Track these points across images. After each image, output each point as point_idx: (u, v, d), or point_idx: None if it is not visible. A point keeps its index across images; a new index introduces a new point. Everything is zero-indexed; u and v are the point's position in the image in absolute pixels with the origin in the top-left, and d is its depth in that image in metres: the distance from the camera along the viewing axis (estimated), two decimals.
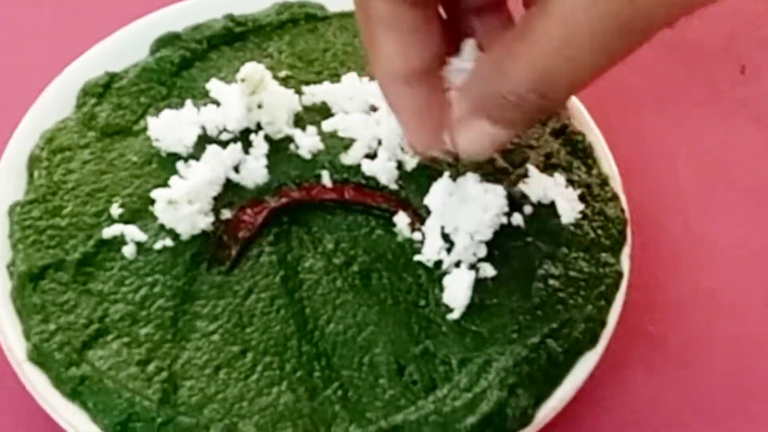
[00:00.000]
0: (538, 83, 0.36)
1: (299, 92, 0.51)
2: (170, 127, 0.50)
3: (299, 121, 0.51)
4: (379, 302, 0.46)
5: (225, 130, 0.50)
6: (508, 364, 0.45)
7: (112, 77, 0.53)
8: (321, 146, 0.50)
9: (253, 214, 0.48)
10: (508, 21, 0.42)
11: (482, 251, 0.47)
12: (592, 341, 0.46)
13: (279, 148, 0.50)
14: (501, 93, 0.37)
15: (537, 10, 0.35)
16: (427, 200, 0.48)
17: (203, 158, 0.49)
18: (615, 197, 0.50)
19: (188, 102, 0.51)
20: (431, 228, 0.47)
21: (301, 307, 0.46)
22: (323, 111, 0.51)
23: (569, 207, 0.49)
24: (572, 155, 0.51)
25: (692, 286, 0.52)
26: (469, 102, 0.40)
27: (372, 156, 0.49)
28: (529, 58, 0.36)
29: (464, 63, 0.41)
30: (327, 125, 0.50)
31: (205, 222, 0.47)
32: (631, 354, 0.50)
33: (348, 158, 0.49)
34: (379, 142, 0.49)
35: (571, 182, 0.50)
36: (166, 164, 0.49)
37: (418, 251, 0.47)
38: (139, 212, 0.48)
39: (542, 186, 0.49)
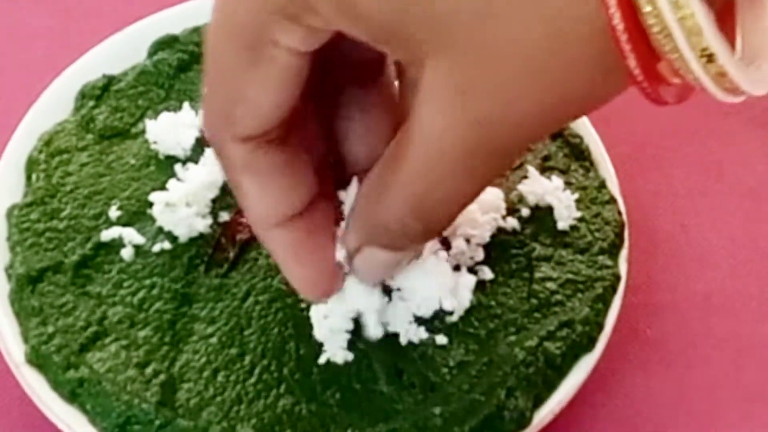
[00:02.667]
0: (414, 211, 0.35)
1: None
2: (168, 130, 0.50)
3: None
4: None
5: None
6: (506, 366, 0.45)
7: (110, 80, 0.53)
8: None
9: None
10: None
11: (480, 254, 0.47)
12: (590, 344, 0.46)
13: None
14: (383, 223, 0.37)
15: (401, 135, 0.34)
16: None
17: (201, 161, 0.49)
18: (612, 200, 0.50)
19: (186, 105, 0.51)
20: None
21: (300, 310, 0.46)
22: None
23: (566, 213, 0.49)
24: (570, 158, 0.51)
25: (690, 289, 0.52)
26: (357, 233, 0.39)
27: None
28: (400, 187, 0.35)
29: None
30: None
31: (203, 224, 0.47)
32: (628, 356, 0.50)
33: None
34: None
35: (568, 185, 0.50)
36: (164, 167, 0.49)
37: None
38: (137, 215, 0.48)
39: (540, 188, 0.49)
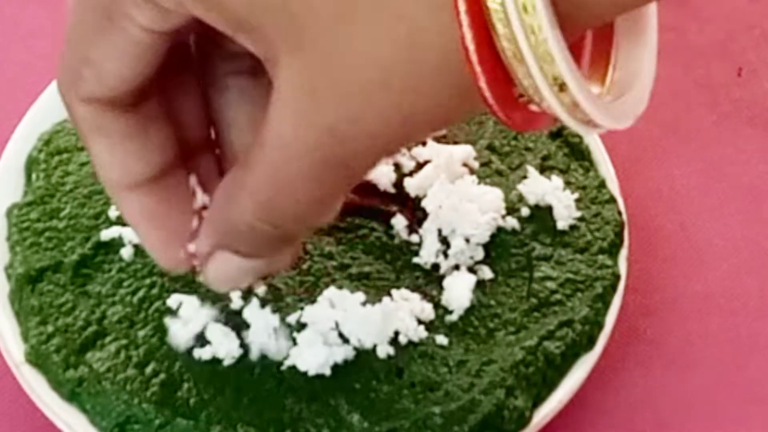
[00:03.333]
0: (263, 213, 0.35)
1: None
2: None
3: None
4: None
5: None
6: (505, 366, 0.45)
7: None
8: None
9: None
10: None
11: (479, 253, 0.47)
12: (590, 343, 0.46)
13: None
14: (233, 226, 0.36)
15: (257, 136, 0.34)
16: (425, 202, 0.48)
17: None
18: (612, 199, 0.50)
19: None
20: (428, 230, 0.47)
21: (299, 309, 0.46)
22: None
23: (566, 212, 0.49)
24: (570, 157, 0.51)
25: (689, 289, 0.52)
26: (209, 235, 0.38)
27: None
28: (251, 187, 0.34)
29: None
30: None
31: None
32: (628, 356, 0.50)
33: None
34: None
35: (568, 184, 0.50)
36: None
37: (416, 253, 0.47)
38: None
39: (539, 188, 0.49)
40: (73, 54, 0.36)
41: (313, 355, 0.44)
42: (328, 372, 0.44)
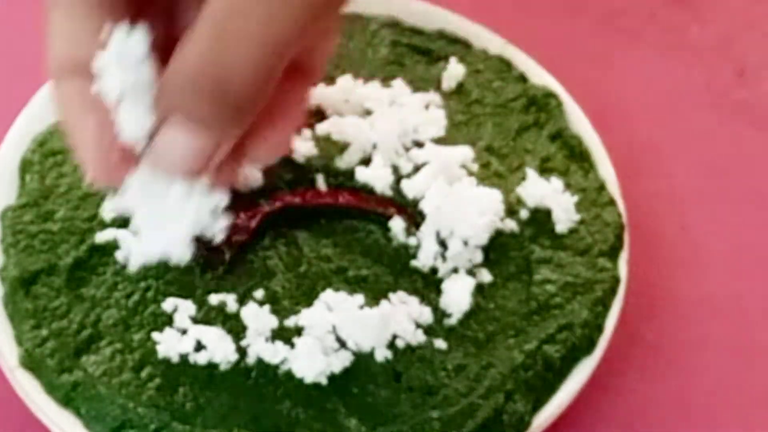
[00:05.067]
0: (212, 64, 0.34)
1: None
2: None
3: None
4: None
5: None
6: (505, 369, 0.45)
7: None
8: (315, 151, 0.49)
9: (246, 218, 0.48)
10: None
11: (478, 256, 0.47)
12: (590, 347, 0.46)
13: None
14: (183, 80, 0.35)
15: None
16: (423, 204, 0.47)
17: None
18: (612, 202, 0.50)
19: None
20: (426, 233, 0.47)
21: (296, 312, 0.46)
22: (318, 114, 0.51)
23: (565, 216, 0.49)
24: (569, 159, 0.51)
25: (690, 292, 0.52)
26: (160, 97, 0.36)
27: (367, 161, 0.49)
28: (201, 35, 0.34)
29: (105, 60, 0.36)
30: (321, 128, 0.50)
31: None
32: (628, 360, 0.50)
33: (342, 162, 0.49)
34: (374, 146, 0.49)
35: (568, 186, 0.50)
36: None
37: (414, 256, 0.47)
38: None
39: (539, 191, 0.49)
40: None
41: (311, 364, 0.44)
42: (324, 381, 0.44)
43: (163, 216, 0.40)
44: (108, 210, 0.47)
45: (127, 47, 0.35)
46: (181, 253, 0.41)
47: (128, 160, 0.38)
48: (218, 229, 0.41)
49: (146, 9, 0.38)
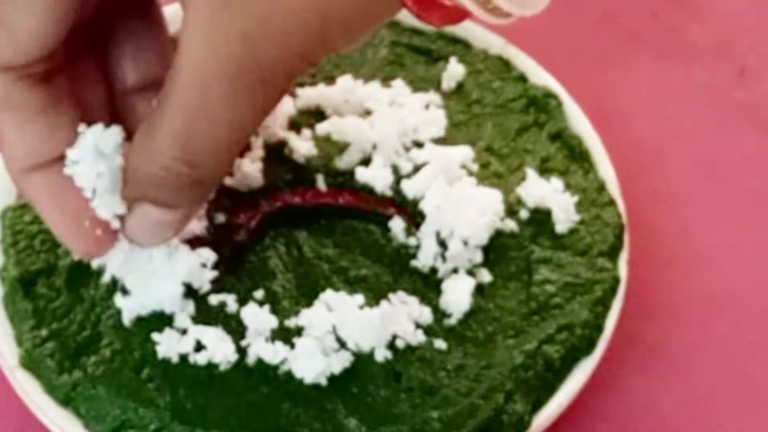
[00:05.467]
0: (180, 151, 0.34)
1: (293, 95, 0.51)
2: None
3: (293, 125, 0.50)
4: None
5: None
6: (504, 369, 0.44)
7: None
8: (315, 151, 0.49)
9: (246, 218, 0.48)
10: None
11: (478, 256, 0.47)
12: (589, 347, 0.46)
13: (273, 151, 0.49)
14: (150, 171, 0.36)
15: (170, 71, 0.34)
16: (423, 204, 0.47)
17: None
18: (612, 202, 0.50)
19: None
20: (426, 233, 0.47)
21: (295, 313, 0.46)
22: (318, 114, 0.51)
23: (565, 216, 0.49)
24: (569, 159, 0.51)
25: (690, 292, 0.52)
26: (128, 187, 0.38)
27: (367, 161, 0.49)
28: (168, 125, 0.34)
29: (81, 153, 0.38)
30: (321, 128, 0.50)
31: (199, 227, 0.47)
32: (628, 360, 0.50)
33: (342, 162, 0.49)
34: (374, 146, 0.49)
35: (568, 186, 0.50)
36: None
37: (414, 256, 0.47)
38: None
39: (539, 191, 0.49)
40: None
41: (311, 364, 0.44)
42: (324, 382, 0.44)
43: (152, 275, 0.44)
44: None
45: (102, 141, 0.38)
46: (174, 306, 0.45)
47: (110, 232, 0.40)
48: (207, 280, 0.45)
49: (85, 103, 0.39)
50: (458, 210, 0.47)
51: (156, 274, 0.44)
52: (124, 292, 0.45)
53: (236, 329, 0.45)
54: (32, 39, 0.34)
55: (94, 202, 0.39)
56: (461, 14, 0.32)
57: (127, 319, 0.45)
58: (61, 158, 0.37)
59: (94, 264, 0.46)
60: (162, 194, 0.37)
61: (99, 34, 0.39)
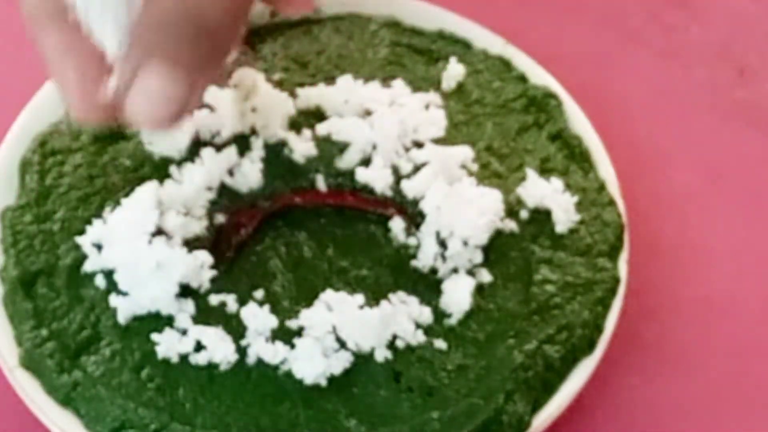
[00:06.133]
0: (189, 6, 0.34)
1: (293, 95, 0.51)
2: (163, 131, 0.49)
3: (293, 125, 0.50)
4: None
5: (218, 134, 0.50)
6: (504, 370, 0.45)
7: None
8: (315, 151, 0.49)
9: (247, 218, 0.48)
10: None
11: (478, 256, 0.47)
12: (589, 347, 0.46)
13: (273, 152, 0.49)
14: (157, 21, 0.35)
15: None
16: (423, 205, 0.47)
17: (198, 161, 0.48)
18: (612, 202, 0.50)
19: None
20: (427, 233, 0.47)
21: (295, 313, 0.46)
22: (318, 114, 0.51)
23: (565, 216, 0.49)
24: (569, 159, 0.51)
25: (690, 292, 0.52)
26: (135, 41, 0.36)
27: (367, 161, 0.49)
28: None
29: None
30: (321, 129, 0.50)
31: (199, 227, 0.47)
32: (628, 360, 0.50)
33: (343, 163, 0.49)
34: (374, 147, 0.49)
35: (568, 186, 0.50)
36: (159, 168, 0.49)
37: (414, 256, 0.47)
38: None
39: (539, 191, 0.49)
40: None
41: (311, 365, 0.44)
42: (324, 383, 0.44)
43: (147, 275, 0.44)
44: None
45: None
46: (168, 307, 0.45)
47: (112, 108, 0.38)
48: (206, 281, 0.45)
49: None
50: (458, 210, 0.47)
51: (150, 274, 0.44)
52: (119, 291, 0.45)
53: (236, 329, 0.45)
54: None
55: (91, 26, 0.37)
56: None
57: (122, 318, 0.45)
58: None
59: (88, 267, 0.46)
60: (171, 49, 0.36)
61: None
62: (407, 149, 0.49)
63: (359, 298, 0.45)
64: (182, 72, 0.36)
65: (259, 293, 0.46)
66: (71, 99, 0.38)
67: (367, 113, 0.50)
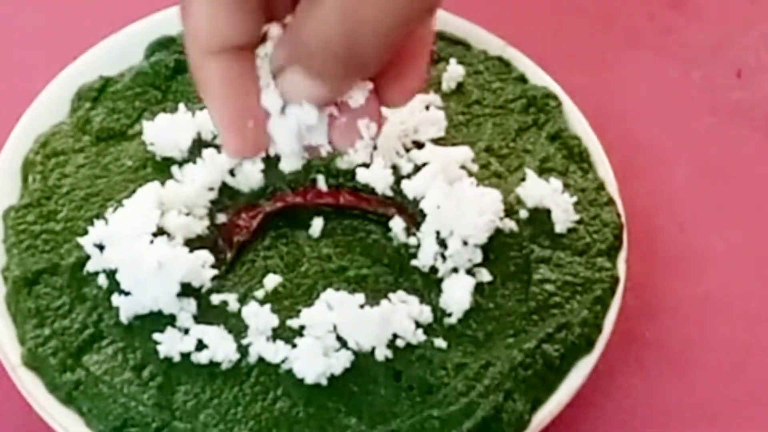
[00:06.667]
0: (344, 23, 0.35)
1: None
2: (165, 131, 0.50)
3: None
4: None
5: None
6: (504, 368, 0.45)
7: (107, 81, 0.52)
8: None
9: (248, 218, 0.48)
10: None
11: (478, 256, 0.47)
12: (588, 346, 0.46)
13: None
14: (307, 39, 0.36)
15: None
16: (423, 204, 0.48)
17: (200, 162, 0.49)
18: (611, 202, 0.50)
19: (181, 106, 0.51)
20: (427, 233, 0.47)
21: (296, 311, 0.46)
22: None
23: (564, 216, 0.49)
24: (568, 159, 0.51)
25: (688, 291, 0.52)
26: (282, 49, 0.37)
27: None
28: (330, 2, 0.34)
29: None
30: None
31: (200, 226, 0.47)
32: (627, 358, 0.50)
33: (343, 162, 0.49)
34: (375, 147, 0.49)
35: (567, 187, 0.50)
36: (161, 168, 0.49)
37: (415, 256, 0.47)
38: None
39: (538, 192, 0.49)
40: None
41: (311, 365, 0.44)
42: (325, 382, 0.44)
43: (149, 275, 0.44)
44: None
45: None
46: (170, 306, 0.45)
47: (263, 137, 0.39)
48: (207, 280, 0.46)
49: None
50: (458, 210, 0.47)
51: (152, 273, 0.45)
52: (121, 291, 0.45)
53: (237, 328, 0.45)
54: None
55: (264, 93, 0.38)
56: None
57: (124, 318, 0.45)
58: (239, 48, 0.37)
59: (90, 266, 0.46)
60: (315, 63, 0.36)
61: None
62: (407, 149, 0.50)
63: (359, 297, 0.45)
64: (323, 82, 0.37)
65: (260, 292, 0.46)
66: (225, 136, 0.39)
67: None
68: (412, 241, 0.48)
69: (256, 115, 0.38)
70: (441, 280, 0.47)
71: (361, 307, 0.45)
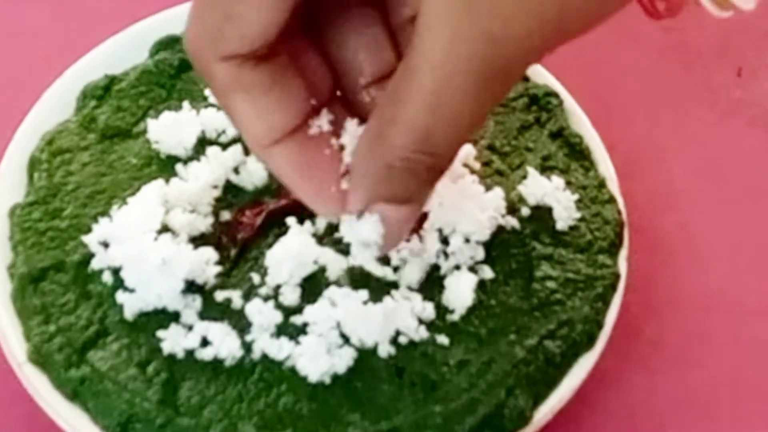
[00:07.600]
0: (422, 143, 0.35)
1: None
2: (170, 130, 0.50)
3: None
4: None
5: (224, 132, 0.50)
6: (506, 365, 0.45)
7: (112, 80, 0.53)
8: None
9: (252, 215, 0.48)
10: None
11: (480, 253, 0.47)
12: (590, 343, 0.47)
13: None
14: (389, 163, 0.36)
15: (401, 69, 0.34)
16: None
17: (204, 160, 0.49)
18: (612, 199, 0.50)
19: (185, 104, 0.51)
20: (429, 230, 0.47)
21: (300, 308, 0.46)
22: None
23: (565, 213, 0.49)
24: (570, 157, 0.52)
25: (689, 288, 0.52)
26: (359, 187, 0.37)
27: None
28: (406, 119, 0.34)
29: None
30: None
31: (205, 224, 0.47)
32: (628, 355, 0.50)
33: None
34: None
35: (568, 184, 0.50)
36: (166, 166, 0.49)
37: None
38: None
39: (540, 189, 0.49)
40: (214, 13, 0.36)
41: (315, 364, 0.44)
42: (328, 381, 0.44)
43: (154, 272, 0.45)
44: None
45: None
46: (174, 303, 0.45)
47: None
48: (211, 277, 0.46)
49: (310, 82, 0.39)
50: (460, 207, 0.47)
51: (157, 271, 0.45)
52: (126, 288, 0.46)
53: (241, 325, 0.45)
54: (260, 29, 0.35)
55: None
56: (679, 6, 0.33)
57: (129, 314, 0.45)
58: (296, 129, 0.38)
59: (95, 264, 0.46)
60: (397, 188, 0.37)
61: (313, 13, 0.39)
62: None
63: (363, 293, 0.45)
64: (406, 208, 0.38)
65: (263, 289, 0.46)
66: (313, 207, 0.39)
67: None
68: (415, 238, 0.48)
69: (335, 181, 0.39)
70: (443, 277, 0.47)
71: (364, 303, 0.45)
